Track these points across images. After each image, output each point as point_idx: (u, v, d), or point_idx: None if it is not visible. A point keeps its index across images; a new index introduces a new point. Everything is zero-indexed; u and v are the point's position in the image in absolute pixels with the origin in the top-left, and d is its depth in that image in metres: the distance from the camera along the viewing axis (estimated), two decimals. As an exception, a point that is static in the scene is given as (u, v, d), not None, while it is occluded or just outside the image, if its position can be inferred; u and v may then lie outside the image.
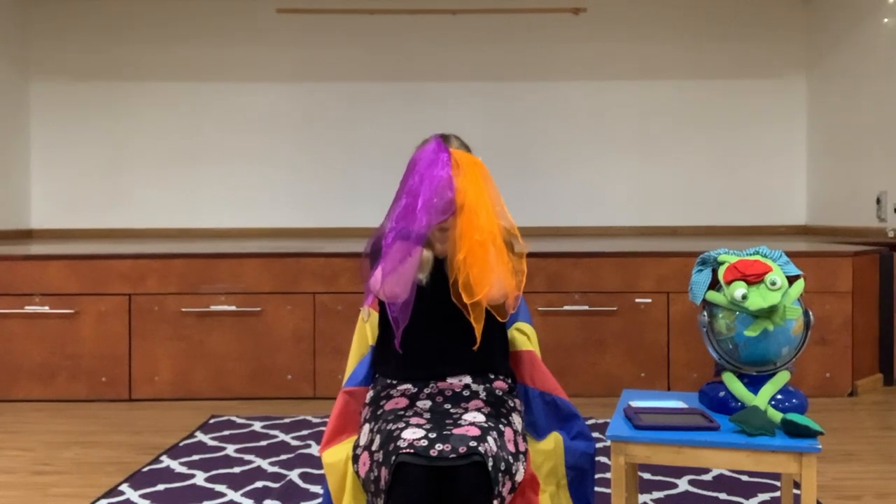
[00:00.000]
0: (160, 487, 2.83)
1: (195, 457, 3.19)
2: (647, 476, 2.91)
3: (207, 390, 4.20)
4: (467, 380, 2.02)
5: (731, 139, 6.24)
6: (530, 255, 1.98)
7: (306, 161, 6.24)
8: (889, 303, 4.43)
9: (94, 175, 6.22)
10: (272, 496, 2.73)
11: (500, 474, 1.76)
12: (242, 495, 2.75)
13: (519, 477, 1.83)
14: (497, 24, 6.23)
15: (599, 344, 4.22)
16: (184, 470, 3.02)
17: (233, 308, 4.20)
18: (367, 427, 1.93)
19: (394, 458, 1.75)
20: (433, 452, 1.73)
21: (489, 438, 1.78)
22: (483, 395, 1.99)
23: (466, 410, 1.93)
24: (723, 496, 2.74)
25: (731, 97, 6.25)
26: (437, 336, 2.02)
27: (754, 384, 1.96)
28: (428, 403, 1.96)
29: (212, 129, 6.24)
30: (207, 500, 2.71)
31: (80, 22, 6.23)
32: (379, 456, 1.80)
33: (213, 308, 4.20)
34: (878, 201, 5.21)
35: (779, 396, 1.94)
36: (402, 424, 1.83)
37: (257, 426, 3.66)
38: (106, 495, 2.75)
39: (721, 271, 1.99)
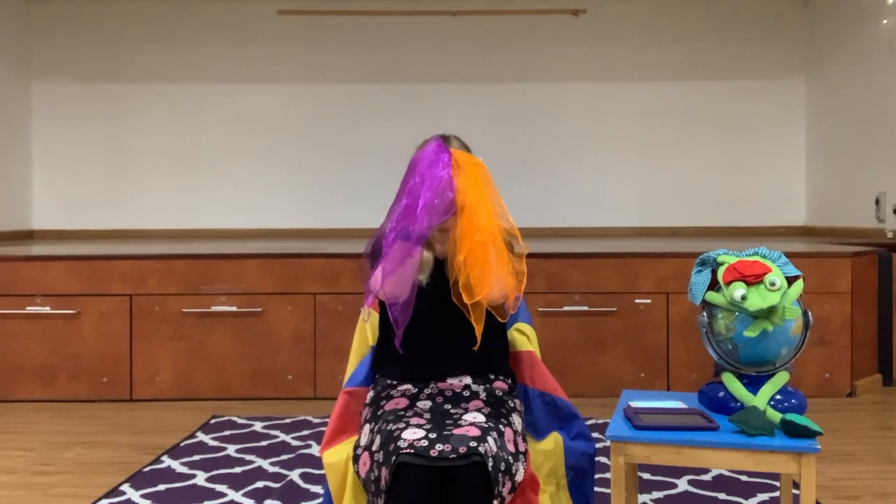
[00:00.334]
0: (161, 487, 2.84)
1: (196, 457, 3.19)
2: (646, 476, 2.91)
3: (208, 390, 4.20)
4: (467, 380, 2.02)
5: (730, 140, 6.25)
6: (530, 255, 1.98)
7: (307, 162, 6.25)
8: (888, 303, 4.44)
9: (96, 176, 6.23)
10: (273, 496, 2.74)
11: (500, 474, 1.77)
12: (243, 495, 2.75)
13: (519, 477, 1.83)
14: (497, 25, 6.24)
15: (599, 344, 4.23)
16: (185, 470, 3.03)
17: (233, 309, 4.21)
18: (367, 427, 1.93)
19: (394, 458, 1.75)
20: (433, 453, 1.73)
21: (489, 439, 1.79)
22: (483, 395, 1.99)
23: (466, 411, 1.93)
24: (722, 496, 2.74)
25: (730, 98, 6.26)
26: (437, 336, 2.02)
27: (753, 384, 1.97)
28: (428, 404, 1.96)
29: (213, 129, 6.24)
30: (208, 500, 2.72)
31: (81, 23, 6.24)
32: (379, 456, 1.80)
33: (214, 308, 4.20)
34: (877, 202, 5.21)
35: (778, 397, 1.95)
36: (402, 425, 1.84)
37: (258, 426, 3.66)
38: (107, 495, 2.76)
39: (720, 272, 2.00)
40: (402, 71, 6.27)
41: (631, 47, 6.26)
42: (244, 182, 6.22)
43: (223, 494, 2.77)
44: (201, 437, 3.49)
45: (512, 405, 2.02)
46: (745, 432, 1.80)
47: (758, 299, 1.90)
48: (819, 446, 1.76)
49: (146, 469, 3.04)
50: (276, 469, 3.04)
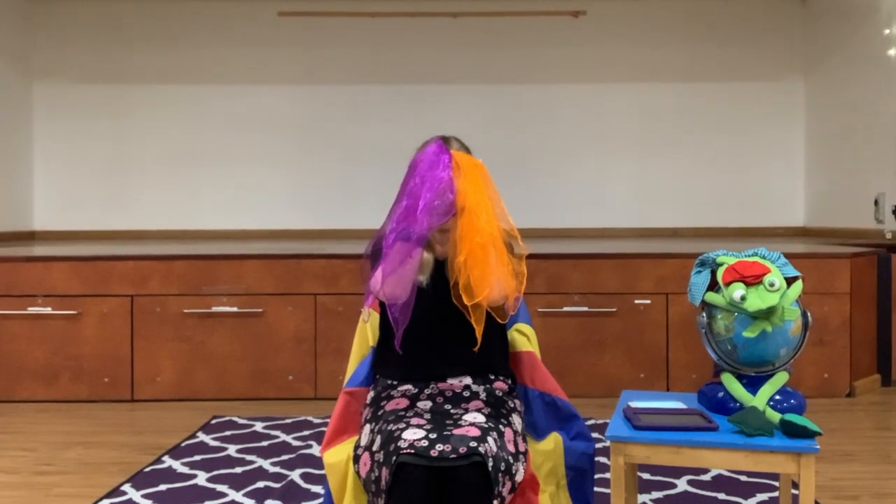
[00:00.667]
0: (162, 487, 2.84)
1: (197, 457, 3.20)
2: (646, 476, 2.92)
3: (209, 391, 4.21)
4: (467, 380, 2.03)
5: (729, 141, 6.26)
6: (530, 256, 1.99)
7: (307, 163, 6.26)
8: (887, 304, 4.45)
9: (97, 177, 6.24)
10: (273, 496, 2.74)
11: (500, 474, 1.77)
12: (244, 495, 2.76)
13: (519, 477, 1.84)
14: (497, 27, 6.25)
15: (599, 345, 4.24)
16: (186, 470, 3.04)
17: (234, 309, 4.22)
18: (367, 427, 1.94)
19: (394, 458, 1.76)
20: (433, 453, 1.74)
21: (489, 439, 1.80)
22: (483, 395, 2.00)
23: (467, 411, 1.94)
24: (721, 496, 2.75)
25: (729, 100, 6.26)
26: (437, 337, 2.03)
27: (753, 385, 1.97)
28: (428, 404, 1.97)
29: (214, 130, 6.25)
30: (209, 500, 2.73)
31: (82, 24, 6.25)
32: (380, 456, 1.81)
33: (215, 309, 4.21)
34: (876, 203, 5.22)
35: (777, 397, 1.96)
36: (402, 425, 1.84)
37: (259, 427, 3.67)
38: (108, 495, 2.77)
39: (720, 273, 2.00)
40: (402, 72, 6.28)
41: (630, 48, 6.27)
42: (245, 183, 6.23)
43: (224, 494, 2.78)
44: (202, 437, 3.50)
45: (512, 405, 2.03)
46: (745, 432, 1.81)
47: (757, 300, 1.90)
48: (818, 446, 1.77)
49: (147, 469, 3.05)
50: (277, 469, 3.04)
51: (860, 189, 5.43)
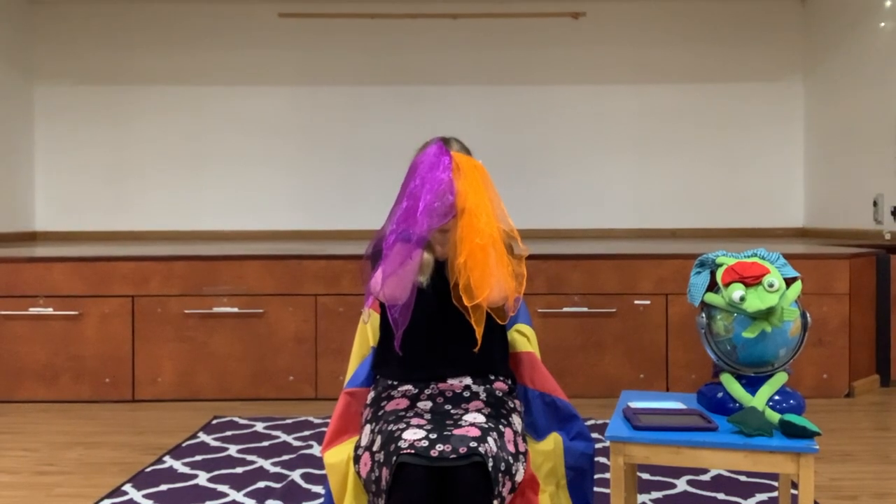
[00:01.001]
0: (163, 488, 2.85)
1: (198, 457, 3.21)
2: (645, 476, 2.93)
3: (210, 391, 4.22)
4: (467, 381, 2.03)
5: (729, 142, 6.27)
6: (530, 257, 1.99)
7: (308, 164, 6.27)
8: (885, 304, 4.45)
9: (98, 177, 6.25)
10: (274, 496, 2.75)
11: (500, 474, 1.78)
12: (245, 495, 2.77)
13: (519, 477, 1.84)
14: (497, 28, 6.26)
15: (598, 345, 4.25)
16: (186, 470, 3.05)
17: (235, 310, 4.22)
18: (368, 428, 1.95)
19: (395, 458, 1.76)
20: (434, 453, 1.75)
21: (489, 439, 1.80)
22: (483, 395, 2.01)
23: (467, 411, 1.94)
24: (721, 496, 2.76)
25: (728, 100, 6.27)
26: (437, 338, 2.03)
27: (752, 385, 1.97)
28: (429, 404, 1.98)
29: (214, 132, 6.26)
30: (210, 500, 2.73)
31: (83, 26, 6.26)
32: (380, 456, 1.81)
33: (216, 310, 4.22)
34: (875, 204, 5.23)
35: (776, 397, 1.96)
36: (402, 425, 1.85)
37: (259, 427, 3.68)
38: (109, 495, 2.77)
39: (719, 273, 2.00)
40: (402, 73, 6.29)
41: (630, 50, 6.28)
42: (245, 184, 6.24)
43: (225, 494, 2.78)
44: (203, 437, 3.51)
45: (512, 406, 2.03)
46: (744, 433, 1.81)
47: (756, 300, 1.90)
48: (817, 447, 1.77)
49: (148, 469, 3.06)
50: (278, 469, 3.05)
51: (859, 190, 5.44)
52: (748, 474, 2.93)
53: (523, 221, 2.14)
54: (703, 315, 2.02)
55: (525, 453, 1.90)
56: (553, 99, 6.29)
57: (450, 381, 2.03)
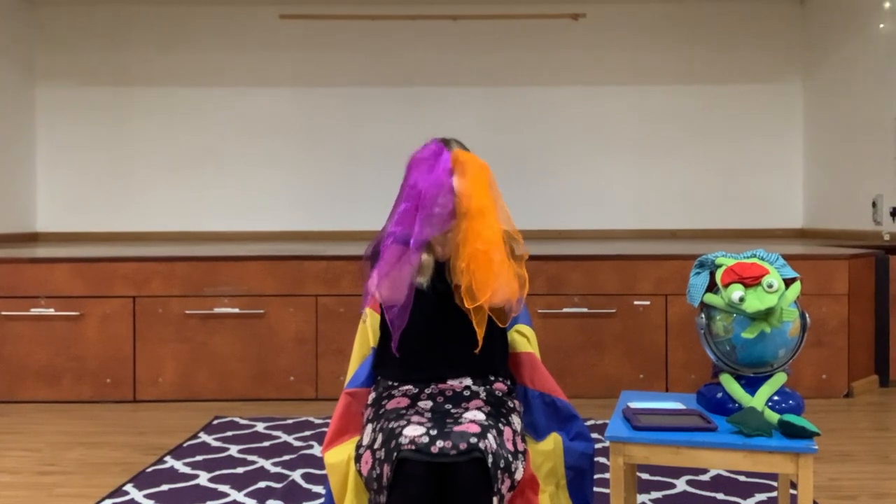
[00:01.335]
0: (164, 488, 2.86)
1: (199, 457, 3.21)
2: (645, 476, 2.93)
3: (211, 392, 4.23)
4: (467, 381, 2.04)
5: (728, 143, 6.27)
6: (530, 258, 2.00)
7: (309, 165, 6.28)
8: (884, 305, 4.46)
9: (99, 178, 6.25)
10: (275, 496, 2.76)
11: (499, 471, 1.79)
12: (245, 495, 2.77)
13: (518, 476, 1.85)
14: (497, 29, 6.27)
15: (598, 346, 4.26)
16: (187, 470, 3.05)
17: (236, 310, 4.23)
18: (369, 427, 1.95)
19: (395, 454, 1.77)
20: (434, 449, 1.75)
21: (489, 435, 1.81)
22: (483, 395, 2.01)
23: (467, 409, 1.95)
24: (720, 496, 2.76)
25: (728, 102, 6.28)
26: (437, 338, 2.04)
27: (751, 385, 1.98)
28: (429, 403, 1.98)
29: (215, 132, 6.27)
30: (211, 500, 2.74)
31: (84, 27, 6.27)
32: (381, 453, 1.82)
33: (217, 310, 4.23)
34: (874, 205, 5.24)
35: (776, 398, 1.96)
36: (403, 422, 1.85)
37: (260, 427, 3.69)
38: (110, 495, 2.78)
39: (718, 274, 2.00)
40: (403, 74, 6.29)
41: (629, 51, 6.29)
42: (246, 185, 6.25)
43: (226, 494, 2.79)
44: (204, 437, 3.52)
45: (511, 405, 2.04)
46: (743, 433, 1.81)
47: (756, 301, 1.91)
48: (816, 447, 1.77)
49: (149, 469, 3.06)
50: (278, 469, 3.06)
51: (858, 191, 5.45)
52: (747, 474, 2.94)
53: (523, 222, 2.14)
54: (703, 316, 2.03)
55: (524, 452, 1.91)
56: (553, 100, 6.29)
57: (450, 382, 2.03)
